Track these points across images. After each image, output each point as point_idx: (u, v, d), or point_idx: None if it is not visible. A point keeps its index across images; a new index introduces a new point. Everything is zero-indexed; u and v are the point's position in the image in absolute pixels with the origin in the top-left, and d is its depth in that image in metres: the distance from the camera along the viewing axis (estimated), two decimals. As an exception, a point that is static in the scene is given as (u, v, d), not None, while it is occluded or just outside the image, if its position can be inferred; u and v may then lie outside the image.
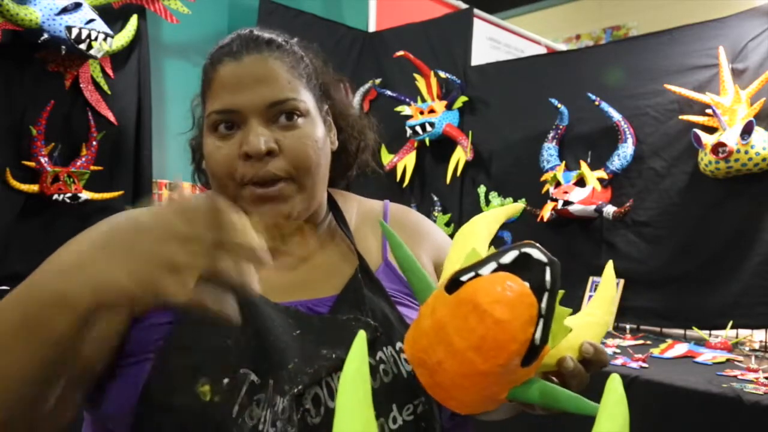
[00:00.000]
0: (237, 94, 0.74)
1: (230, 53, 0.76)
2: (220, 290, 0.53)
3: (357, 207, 0.90)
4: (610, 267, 0.73)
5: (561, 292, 0.55)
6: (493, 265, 0.54)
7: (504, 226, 2.73)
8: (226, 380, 0.65)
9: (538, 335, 0.52)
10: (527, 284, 0.52)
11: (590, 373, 0.63)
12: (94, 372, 0.64)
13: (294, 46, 0.81)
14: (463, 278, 0.55)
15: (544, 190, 2.55)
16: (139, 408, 0.65)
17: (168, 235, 0.51)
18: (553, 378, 0.63)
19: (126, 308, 0.53)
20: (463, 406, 0.56)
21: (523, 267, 0.54)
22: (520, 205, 0.77)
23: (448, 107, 2.83)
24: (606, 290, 0.71)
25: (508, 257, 0.54)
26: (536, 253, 0.54)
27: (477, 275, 0.54)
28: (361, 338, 0.52)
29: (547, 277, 0.53)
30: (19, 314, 0.53)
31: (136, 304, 0.52)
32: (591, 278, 2.45)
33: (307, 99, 0.78)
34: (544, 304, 0.52)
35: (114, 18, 2.40)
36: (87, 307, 0.51)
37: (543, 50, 3.68)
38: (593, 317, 0.67)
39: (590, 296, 2.39)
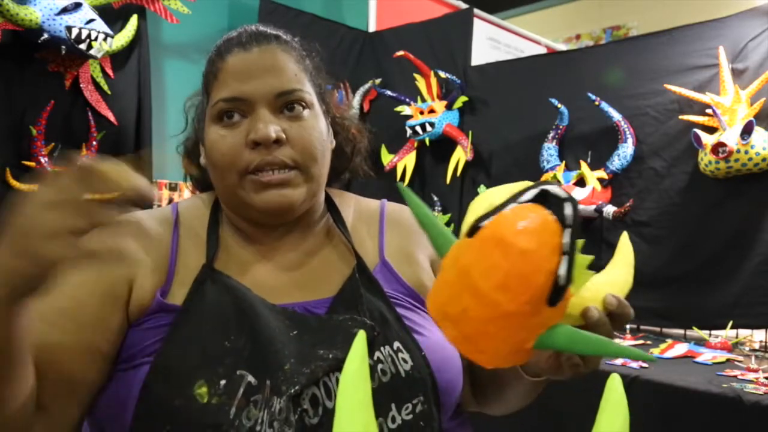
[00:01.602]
0: (245, 83, 0.75)
1: (239, 44, 0.77)
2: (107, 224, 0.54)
3: (354, 206, 0.90)
4: (625, 236, 0.71)
5: (581, 241, 0.54)
6: (513, 204, 0.53)
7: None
8: (223, 382, 0.65)
9: (562, 272, 0.51)
10: (550, 212, 0.51)
11: (615, 328, 0.62)
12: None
13: (297, 44, 0.82)
14: (484, 223, 0.53)
15: (544, 190, 2.54)
16: (137, 410, 0.66)
17: (40, 206, 0.51)
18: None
19: (26, 288, 0.53)
20: (491, 356, 0.54)
21: (543, 203, 0.53)
22: (528, 183, 0.76)
23: (448, 107, 2.83)
24: (624, 255, 0.69)
25: (527, 196, 0.53)
26: (555, 189, 0.53)
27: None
28: (361, 339, 0.52)
29: (568, 211, 0.52)
30: None
31: (42, 280, 0.52)
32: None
33: (311, 92, 0.79)
34: (566, 239, 0.51)
35: (114, 18, 2.40)
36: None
37: (543, 50, 3.68)
38: (615, 275, 0.66)
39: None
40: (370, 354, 0.70)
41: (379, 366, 0.70)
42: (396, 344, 0.72)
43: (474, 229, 0.53)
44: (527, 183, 0.73)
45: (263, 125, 0.72)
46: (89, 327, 0.69)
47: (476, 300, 0.51)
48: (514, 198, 0.54)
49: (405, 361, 0.71)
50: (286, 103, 0.75)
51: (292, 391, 0.65)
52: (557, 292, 0.51)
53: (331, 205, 0.87)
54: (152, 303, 0.72)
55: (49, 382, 0.66)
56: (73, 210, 0.52)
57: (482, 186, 2.79)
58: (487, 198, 0.66)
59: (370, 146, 0.93)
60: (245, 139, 0.73)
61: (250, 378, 0.66)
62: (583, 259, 0.55)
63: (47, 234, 0.51)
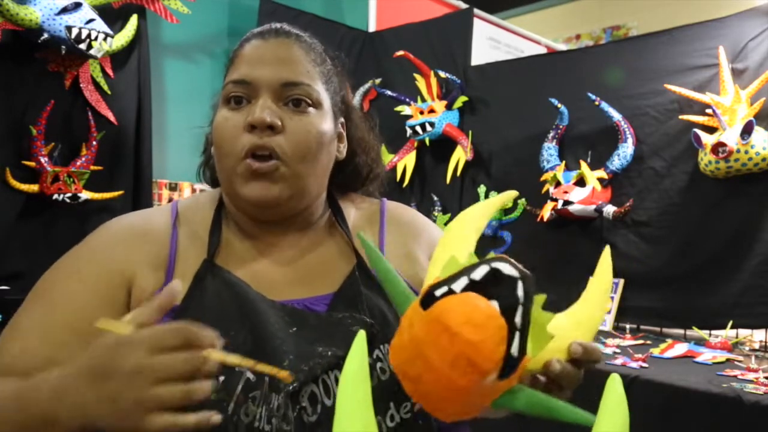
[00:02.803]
0: (255, 68, 0.76)
1: (260, 34, 0.79)
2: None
3: (355, 205, 0.90)
4: (606, 255, 0.70)
5: (542, 296, 0.55)
6: (464, 280, 0.55)
7: (504, 226, 2.73)
8: (222, 378, 0.66)
9: (514, 348, 0.52)
10: (496, 303, 0.53)
11: (583, 370, 0.63)
12: None
13: (320, 49, 0.82)
14: (437, 293, 0.55)
15: (544, 190, 2.54)
16: None
17: (149, 379, 0.54)
18: (542, 378, 0.62)
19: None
20: (449, 415, 0.56)
21: (493, 283, 0.54)
22: (513, 192, 0.75)
23: (448, 107, 2.83)
24: (601, 281, 0.68)
25: (478, 273, 0.55)
26: (507, 268, 0.54)
27: (450, 290, 0.55)
28: (361, 338, 0.52)
29: (519, 292, 0.53)
30: (17, 425, 0.60)
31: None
32: (591, 278, 2.44)
33: (322, 92, 0.79)
34: (518, 319, 0.53)
35: (114, 18, 2.39)
36: (74, 428, 0.57)
37: (543, 50, 3.68)
38: (584, 312, 0.66)
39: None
40: (370, 352, 0.70)
41: (378, 364, 0.70)
42: None
43: (428, 298, 0.55)
44: (513, 194, 0.74)
45: (260, 109, 0.73)
46: (92, 337, 0.69)
47: (429, 371, 0.53)
48: (468, 271, 0.55)
49: None
50: (292, 96, 0.76)
51: (290, 387, 0.65)
52: (510, 366, 0.53)
53: (333, 203, 0.87)
54: None
55: None
56: (179, 386, 0.55)
57: (482, 186, 2.79)
58: (459, 232, 0.67)
59: (385, 172, 0.94)
60: (245, 122, 0.74)
61: (249, 374, 0.67)
62: (544, 320, 0.56)
63: (153, 408, 0.54)
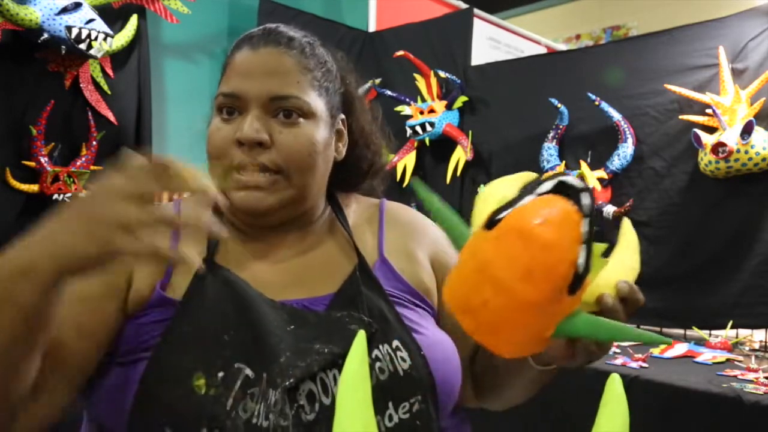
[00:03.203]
0: (244, 81, 0.76)
1: (250, 42, 0.78)
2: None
3: (355, 204, 0.90)
4: (627, 222, 0.71)
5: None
6: (530, 196, 0.53)
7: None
8: (221, 374, 0.66)
9: (581, 261, 0.51)
10: (570, 203, 0.52)
11: (627, 313, 0.62)
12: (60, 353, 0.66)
13: (317, 50, 0.81)
14: (501, 215, 0.53)
15: (544, 190, 2.54)
16: (135, 403, 0.66)
17: (117, 196, 0.54)
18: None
19: (91, 271, 0.56)
20: (511, 345, 0.55)
21: (561, 193, 0.53)
22: (532, 174, 0.76)
23: (448, 107, 2.83)
24: (629, 241, 0.69)
25: (544, 187, 0.54)
26: (572, 180, 0.53)
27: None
28: (361, 338, 0.52)
29: (586, 201, 0.52)
30: None
31: (98, 265, 0.55)
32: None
33: (314, 101, 0.78)
34: (585, 229, 0.52)
35: (114, 18, 2.39)
36: (50, 274, 0.55)
37: (543, 50, 3.68)
38: (623, 260, 0.66)
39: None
40: (369, 351, 0.70)
41: (377, 364, 0.70)
42: (395, 343, 0.72)
43: (492, 222, 0.53)
44: (532, 175, 0.73)
45: (248, 126, 0.73)
46: (88, 311, 0.70)
47: (498, 291, 0.51)
48: (529, 189, 0.54)
49: (403, 360, 0.71)
50: (281, 108, 0.75)
51: (287, 383, 0.65)
52: (577, 280, 0.51)
53: (334, 203, 0.87)
54: (152, 296, 0.73)
55: (44, 363, 0.66)
56: (149, 205, 0.54)
57: (482, 186, 2.79)
58: (496, 190, 0.65)
59: (389, 168, 0.93)
60: (234, 136, 0.74)
61: (248, 371, 0.67)
62: (598, 247, 0.55)
63: (123, 225, 0.53)
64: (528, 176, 0.74)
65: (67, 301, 0.67)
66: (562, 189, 0.53)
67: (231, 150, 0.74)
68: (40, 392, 0.65)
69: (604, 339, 0.56)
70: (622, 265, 0.65)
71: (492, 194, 0.65)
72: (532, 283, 0.50)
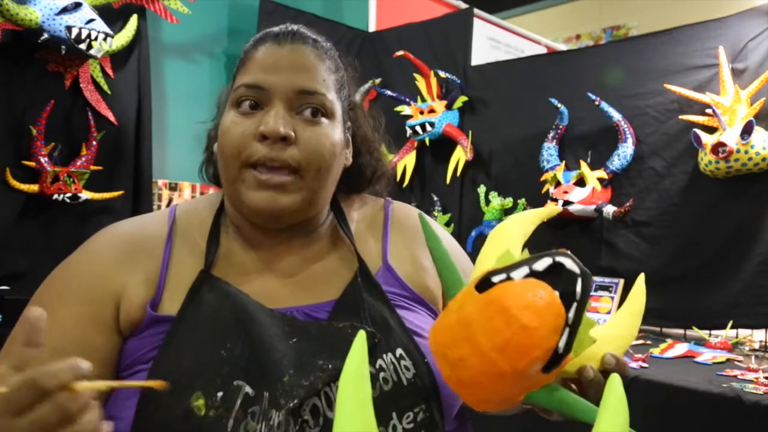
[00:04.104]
0: (270, 74, 0.74)
1: (275, 37, 0.76)
2: None
3: (358, 207, 0.89)
4: (641, 280, 0.73)
5: (588, 303, 0.56)
6: (525, 270, 0.55)
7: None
8: (220, 394, 0.65)
9: (562, 344, 0.53)
10: (557, 293, 0.53)
11: None
12: None
13: (335, 54, 0.80)
14: (495, 279, 0.55)
15: (544, 190, 2.54)
16: (135, 421, 0.65)
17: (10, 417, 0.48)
18: (572, 385, 0.63)
19: None
20: (480, 403, 0.57)
21: (555, 275, 0.54)
22: (557, 208, 0.77)
23: (448, 107, 2.83)
24: (635, 303, 0.71)
25: (540, 264, 0.55)
26: (569, 263, 0.54)
27: (509, 278, 0.55)
28: (360, 339, 0.52)
29: (578, 288, 0.54)
30: None
31: None
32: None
33: (336, 102, 0.77)
34: (572, 314, 0.53)
35: (114, 18, 2.39)
36: None
37: (543, 50, 3.68)
38: (620, 329, 0.68)
39: (590, 296, 2.38)
40: (373, 362, 0.69)
41: (381, 374, 0.69)
42: (399, 351, 0.71)
43: (484, 283, 0.55)
44: (555, 209, 0.74)
45: (274, 120, 0.71)
46: (77, 352, 0.68)
47: (474, 353, 0.53)
48: (527, 262, 0.55)
49: (407, 368, 0.70)
50: (306, 105, 0.74)
51: (291, 404, 0.64)
52: (554, 361, 0.53)
53: (336, 208, 0.85)
54: (143, 317, 0.71)
55: None
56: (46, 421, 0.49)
57: (482, 186, 2.79)
58: (508, 231, 0.67)
59: (392, 173, 0.92)
60: (255, 130, 0.72)
61: (248, 389, 0.65)
62: (589, 323, 0.57)
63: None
64: (551, 210, 0.75)
65: (54, 352, 0.66)
66: (559, 271, 0.54)
67: (251, 145, 0.72)
68: None
69: (570, 417, 0.57)
70: (615, 332, 0.67)
71: (504, 234, 0.67)
72: (506, 357, 0.52)
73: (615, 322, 0.69)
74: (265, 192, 0.72)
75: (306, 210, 0.76)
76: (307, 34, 0.78)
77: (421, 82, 2.92)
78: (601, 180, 2.39)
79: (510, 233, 0.67)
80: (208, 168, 0.88)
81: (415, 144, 2.95)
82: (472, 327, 0.53)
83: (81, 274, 0.74)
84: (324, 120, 0.75)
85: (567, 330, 0.53)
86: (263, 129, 0.71)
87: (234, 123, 0.73)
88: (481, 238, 2.68)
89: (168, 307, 0.72)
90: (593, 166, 2.43)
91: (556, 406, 0.56)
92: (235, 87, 0.75)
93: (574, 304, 0.53)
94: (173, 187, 2.76)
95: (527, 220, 0.71)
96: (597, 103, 2.42)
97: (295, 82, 0.73)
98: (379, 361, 0.69)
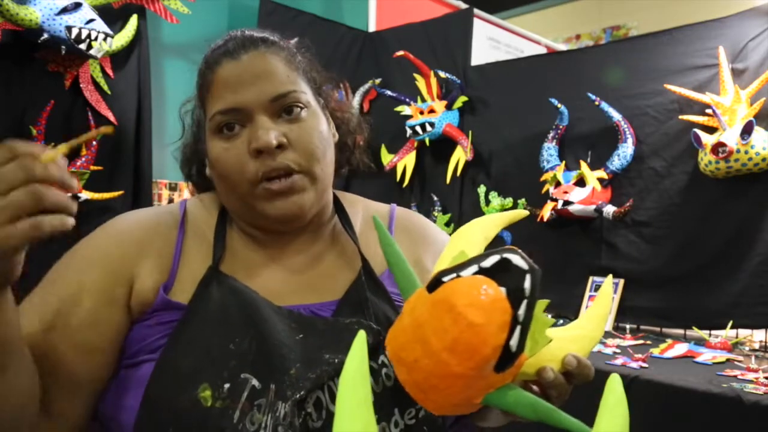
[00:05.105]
0: (239, 92, 0.74)
1: (227, 53, 0.76)
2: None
3: (363, 211, 0.89)
4: (608, 283, 0.72)
5: (545, 301, 0.56)
6: (474, 268, 0.54)
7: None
8: (227, 385, 0.65)
9: (514, 342, 0.52)
10: (503, 290, 0.52)
11: (573, 385, 0.63)
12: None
13: (286, 42, 0.81)
14: (445, 279, 0.55)
15: (544, 190, 2.55)
16: (141, 410, 0.66)
17: None
18: (534, 387, 0.62)
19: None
20: (438, 407, 0.56)
21: (503, 272, 0.54)
22: (524, 212, 0.76)
23: (448, 107, 2.83)
24: (600, 306, 0.70)
25: (488, 261, 0.54)
26: (517, 259, 0.54)
27: (458, 277, 0.54)
28: (360, 338, 0.52)
29: (527, 284, 0.53)
30: None
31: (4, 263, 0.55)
32: (591, 278, 2.45)
33: (306, 91, 0.78)
34: (522, 311, 0.52)
35: (114, 18, 2.39)
36: None
37: (543, 50, 3.68)
38: (582, 330, 0.67)
39: (591, 296, 2.39)
40: (375, 358, 0.70)
41: (384, 370, 0.70)
42: None
43: (435, 283, 0.55)
44: (522, 213, 0.74)
45: (263, 132, 0.72)
46: (85, 327, 0.69)
47: (426, 354, 0.53)
48: (475, 260, 0.55)
49: None
50: (283, 107, 0.75)
51: (298, 396, 0.65)
52: (506, 360, 0.52)
53: (339, 208, 0.86)
54: (155, 299, 0.72)
55: (50, 383, 0.66)
56: (21, 193, 0.54)
57: (482, 186, 2.79)
58: (468, 233, 0.67)
59: (369, 138, 0.92)
60: (248, 149, 0.72)
61: (254, 382, 0.66)
62: (545, 322, 0.56)
63: None
64: (518, 214, 0.75)
65: (60, 325, 0.68)
66: (507, 267, 0.54)
67: (248, 164, 0.72)
68: (51, 414, 0.66)
69: (528, 418, 0.56)
70: (577, 334, 0.66)
71: (464, 236, 0.67)
72: (457, 357, 0.51)
73: (578, 323, 0.68)
74: (283, 199, 0.73)
75: (321, 198, 0.78)
76: (254, 35, 0.78)
77: (421, 82, 2.92)
78: (601, 180, 2.39)
79: (470, 236, 0.67)
80: (191, 174, 0.89)
81: (415, 144, 2.95)
82: (423, 328, 0.53)
83: (99, 248, 0.75)
84: (303, 113, 0.76)
85: (519, 328, 0.52)
86: (256, 145, 0.72)
87: (224, 149, 0.74)
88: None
89: (179, 295, 0.72)
90: (593, 166, 2.43)
91: (514, 407, 0.56)
92: (209, 116, 0.76)
93: (524, 301, 0.52)
94: (173, 187, 2.76)
95: (491, 224, 0.70)
96: (597, 103, 2.42)
97: (266, 91, 0.74)
98: (382, 357, 0.70)
